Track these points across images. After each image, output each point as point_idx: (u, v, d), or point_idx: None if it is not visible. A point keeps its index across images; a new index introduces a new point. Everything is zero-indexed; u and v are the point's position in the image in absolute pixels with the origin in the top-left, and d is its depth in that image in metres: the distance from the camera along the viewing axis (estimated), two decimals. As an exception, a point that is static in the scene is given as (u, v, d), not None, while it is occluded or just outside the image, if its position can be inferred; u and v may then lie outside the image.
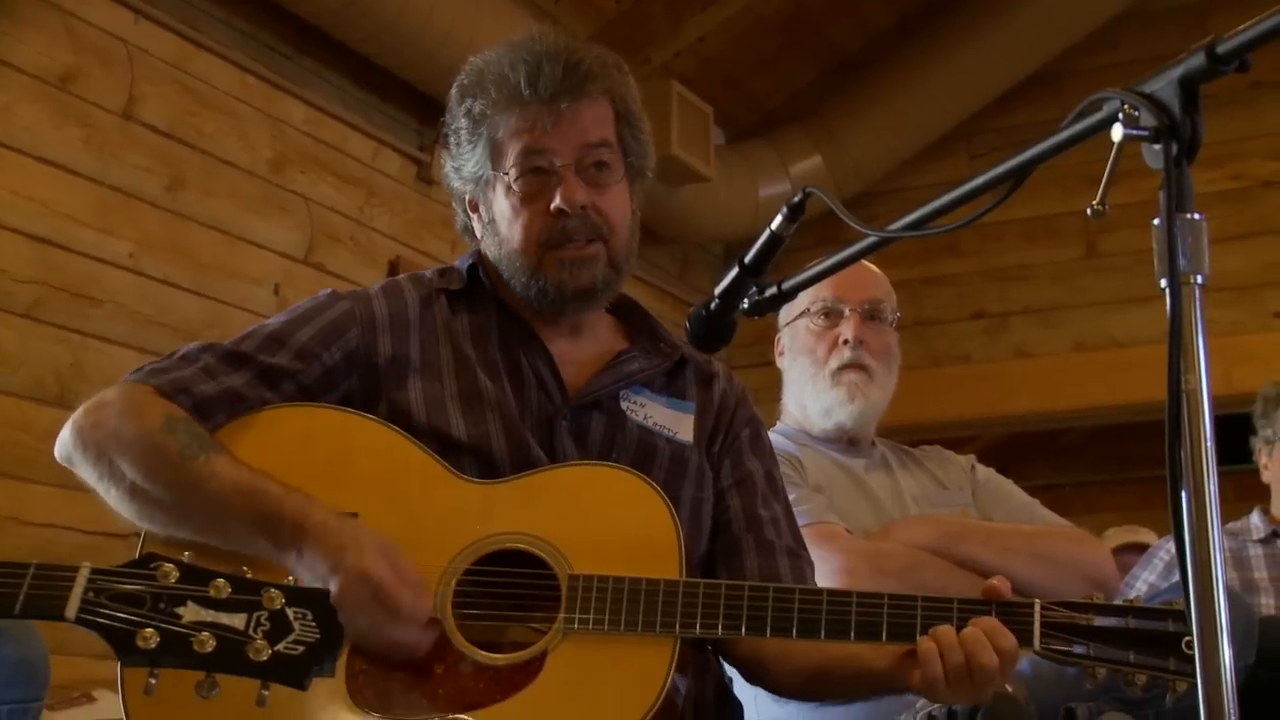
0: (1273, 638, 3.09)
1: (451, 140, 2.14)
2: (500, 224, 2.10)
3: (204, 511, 1.89)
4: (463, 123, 2.10)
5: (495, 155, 2.08)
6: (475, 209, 2.17)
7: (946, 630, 1.83)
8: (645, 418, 2.12)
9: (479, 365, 2.08)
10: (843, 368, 2.90)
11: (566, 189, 2.04)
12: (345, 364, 2.05)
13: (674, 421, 2.14)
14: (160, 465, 1.89)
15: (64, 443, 1.98)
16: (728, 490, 2.15)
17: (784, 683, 2.08)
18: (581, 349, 2.16)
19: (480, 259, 2.18)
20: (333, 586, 1.80)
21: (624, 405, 2.11)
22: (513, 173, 2.06)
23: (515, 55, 2.07)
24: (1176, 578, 1.35)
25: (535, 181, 2.05)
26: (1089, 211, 1.40)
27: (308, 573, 1.83)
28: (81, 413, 1.98)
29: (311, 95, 4.80)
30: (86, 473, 1.96)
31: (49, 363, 3.82)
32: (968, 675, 1.81)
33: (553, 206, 2.04)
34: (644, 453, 2.06)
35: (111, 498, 1.93)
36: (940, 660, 1.81)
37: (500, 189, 2.08)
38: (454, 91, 2.13)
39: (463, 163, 2.12)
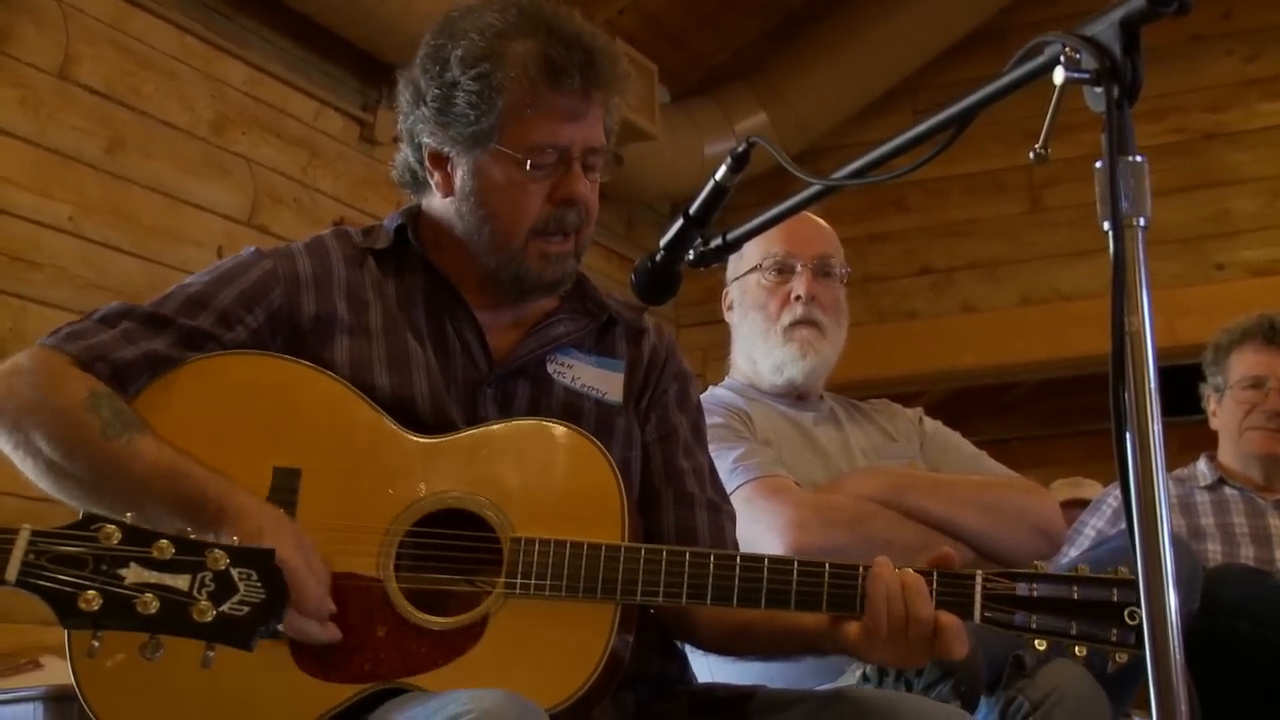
0: (1224, 584, 3.14)
1: (440, 94, 2.03)
2: (489, 195, 2.03)
3: (124, 492, 1.83)
4: (470, 84, 2.00)
5: (505, 128, 2.00)
6: (442, 165, 2.08)
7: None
8: (573, 380, 2.10)
9: (407, 328, 2.05)
10: (795, 324, 2.90)
11: (579, 183, 2.03)
12: (269, 325, 2.00)
13: (603, 381, 2.12)
14: (80, 443, 1.84)
15: None
16: (651, 444, 2.13)
17: (709, 639, 2.08)
18: (509, 312, 2.12)
19: (414, 218, 2.13)
20: None
21: (550, 369, 2.10)
22: (526, 155, 2.00)
23: (551, 34, 2.00)
24: (1124, 524, 1.37)
25: (544, 167, 2.02)
26: (1031, 155, 1.40)
27: None
28: None
29: (252, 55, 4.73)
30: (0, 441, 1.90)
31: (-12, 328, 3.77)
32: (904, 626, 1.82)
33: (563, 196, 2.02)
34: (569, 417, 2.03)
35: (27, 468, 1.88)
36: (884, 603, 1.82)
37: (501, 162, 2.02)
38: (460, 50, 2.02)
39: (453, 119, 2.02)
